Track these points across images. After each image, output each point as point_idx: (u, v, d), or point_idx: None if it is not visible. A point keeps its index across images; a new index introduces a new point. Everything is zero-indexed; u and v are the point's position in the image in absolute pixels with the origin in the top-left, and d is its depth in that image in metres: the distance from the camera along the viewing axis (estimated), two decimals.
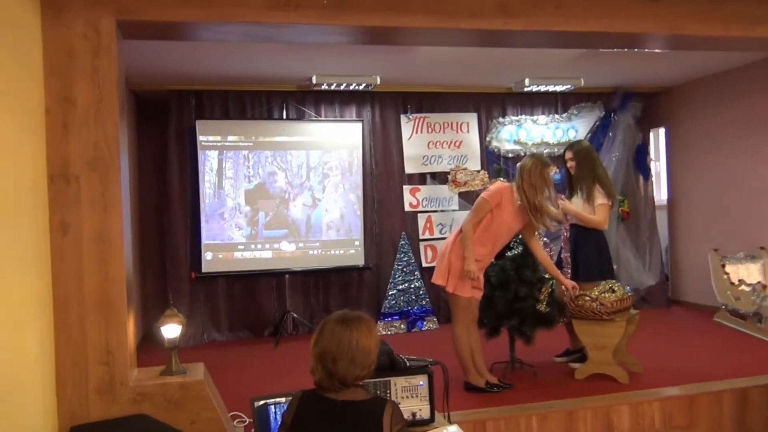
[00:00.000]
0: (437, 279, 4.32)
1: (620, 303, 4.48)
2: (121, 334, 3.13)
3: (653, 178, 7.72)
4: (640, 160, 7.47)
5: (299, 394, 2.21)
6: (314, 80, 6.23)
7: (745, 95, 6.51)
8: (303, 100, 6.79)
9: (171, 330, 3.31)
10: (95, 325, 3.10)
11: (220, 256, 6.42)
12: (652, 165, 7.76)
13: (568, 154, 4.94)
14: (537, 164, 4.26)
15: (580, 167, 4.86)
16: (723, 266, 6.34)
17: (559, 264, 4.79)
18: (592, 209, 4.78)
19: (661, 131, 8.02)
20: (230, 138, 6.48)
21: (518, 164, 4.42)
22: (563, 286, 4.53)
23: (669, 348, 5.48)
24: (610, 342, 4.44)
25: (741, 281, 6.14)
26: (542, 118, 7.41)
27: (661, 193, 7.93)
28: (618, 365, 4.50)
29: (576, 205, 4.85)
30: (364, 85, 6.44)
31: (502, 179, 4.75)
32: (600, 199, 4.77)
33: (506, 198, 4.25)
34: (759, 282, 6.02)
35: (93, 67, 3.11)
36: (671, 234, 7.82)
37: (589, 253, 4.78)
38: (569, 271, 4.75)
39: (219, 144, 6.45)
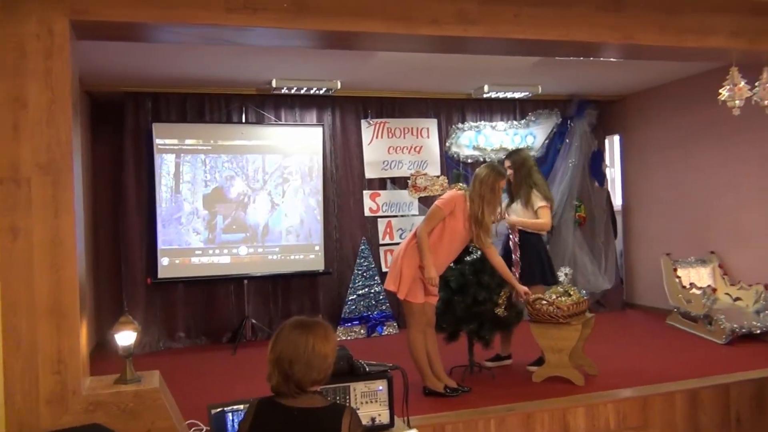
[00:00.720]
0: (389, 285, 4.33)
1: (576, 306, 4.56)
2: (74, 342, 3.05)
3: (608, 184, 7.89)
4: (595, 166, 7.62)
5: (255, 402, 2.18)
6: (274, 84, 6.20)
7: (697, 104, 6.71)
8: (263, 104, 6.74)
9: (125, 337, 3.24)
10: (46, 333, 3.01)
11: (177, 261, 6.32)
12: (607, 171, 7.93)
13: (507, 163, 5.08)
14: (490, 175, 4.31)
15: (517, 174, 5.01)
16: (675, 270, 6.51)
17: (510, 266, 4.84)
18: (532, 214, 4.93)
19: (616, 138, 8.20)
20: (188, 141, 6.39)
21: (475, 171, 4.47)
22: (516, 292, 4.59)
23: (623, 350, 5.59)
24: (566, 345, 4.52)
25: (692, 284, 6.31)
26: (501, 125, 7.51)
27: (615, 198, 8.11)
28: (574, 368, 4.57)
29: (516, 210, 4.98)
30: (324, 89, 6.43)
31: (461, 185, 4.78)
32: (539, 201, 4.92)
33: (459, 206, 4.29)
34: (709, 285, 6.20)
35: (45, 67, 3.03)
36: (626, 239, 8.00)
37: (530, 258, 4.90)
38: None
39: (176, 147, 6.35)
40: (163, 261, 6.28)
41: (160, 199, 6.28)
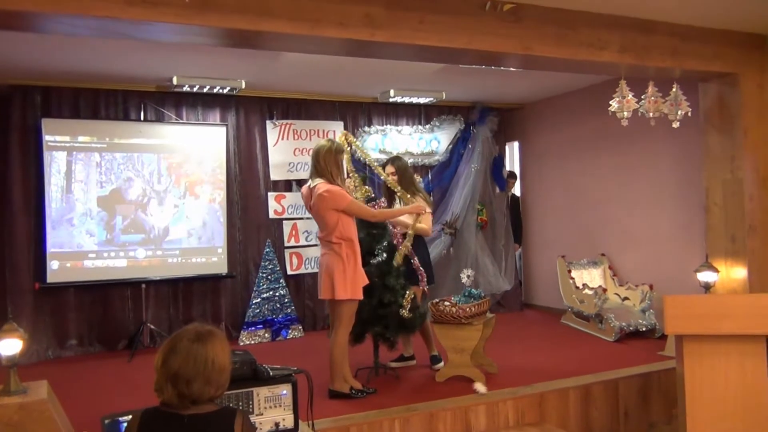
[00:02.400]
0: (326, 295, 4.28)
1: (478, 307, 4.69)
2: None
3: (510, 189, 8.16)
4: (496, 171, 7.87)
5: (140, 413, 2.05)
6: (175, 81, 6.02)
7: (590, 114, 7.07)
8: (163, 102, 6.53)
9: (9, 346, 3.05)
10: None
11: (68, 265, 6.01)
12: (517, 174, 8.21)
13: (390, 168, 5.10)
14: (331, 149, 4.33)
15: (402, 179, 5.02)
16: (569, 271, 6.82)
17: (414, 274, 4.90)
18: (416, 219, 4.90)
19: (516, 144, 8.51)
20: (81, 139, 6.10)
21: (312, 150, 4.43)
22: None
23: (521, 349, 5.80)
24: (468, 345, 4.64)
25: (585, 285, 6.63)
26: (406, 129, 7.62)
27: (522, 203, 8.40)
28: (475, 367, 4.70)
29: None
30: (228, 88, 6.31)
31: (367, 188, 4.82)
32: (427, 208, 4.95)
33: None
34: (600, 286, 6.54)
35: None
36: (524, 242, 8.31)
37: (422, 260, 4.98)
38: (424, 280, 4.90)
39: (68, 145, 6.05)
40: (53, 264, 5.95)
41: (50, 199, 5.95)
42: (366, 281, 4.35)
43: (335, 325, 4.33)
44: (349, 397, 4.32)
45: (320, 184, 4.27)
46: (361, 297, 4.29)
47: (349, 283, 4.22)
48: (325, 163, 4.29)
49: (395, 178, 5.02)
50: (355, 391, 4.36)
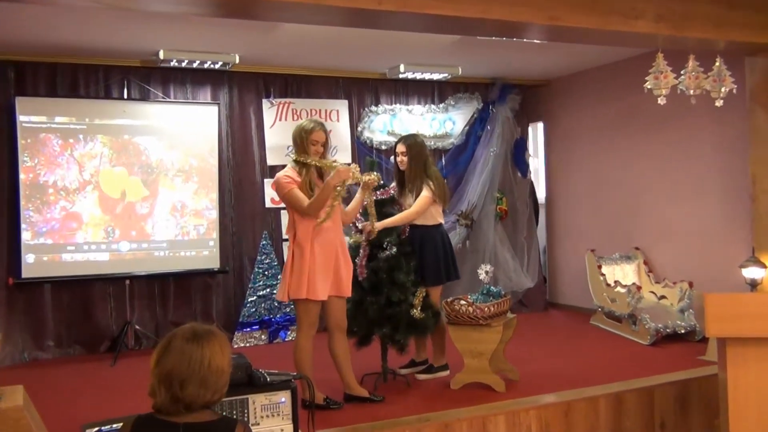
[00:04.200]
0: (278, 293, 4.37)
1: (497, 307, 4.69)
2: None
3: (531, 175, 8.14)
4: (518, 155, 7.85)
5: (132, 419, 2.08)
6: (161, 55, 6.03)
7: (623, 91, 7.02)
8: (148, 78, 6.54)
9: None
10: None
11: (45, 258, 6.04)
12: (531, 161, 8.19)
13: (401, 147, 4.96)
14: (299, 129, 4.33)
15: (413, 163, 4.91)
16: (599, 267, 6.81)
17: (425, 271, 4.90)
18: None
19: (540, 126, 8.48)
20: (58, 119, 6.12)
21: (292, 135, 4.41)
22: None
23: (546, 353, 5.79)
24: (486, 348, 4.63)
25: (616, 282, 6.62)
26: (418, 108, 7.60)
27: (539, 190, 8.38)
28: (494, 373, 4.70)
29: (407, 203, 4.94)
30: (220, 63, 6.31)
31: (375, 173, 4.80)
32: (426, 191, 4.86)
33: (294, 178, 4.26)
34: (634, 283, 6.52)
35: None
36: (549, 234, 8.29)
37: (430, 255, 4.91)
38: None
39: (45, 126, 6.07)
40: (28, 258, 5.99)
41: (25, 186, 5.98)
42: (326, 283, 4.24)
43: (296, 326, 4.41)
44: (322, 407, 4.26)
45: (280, 171, 4.36)
46: (303, 296, 4.19)
47: (294, 282, 4.20)
48: (296, 141, 4.34)
49: (405, 159, 4.95)
50: (328, 401, 4.36)
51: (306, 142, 4.32)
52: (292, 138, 4.38)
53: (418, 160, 4.94)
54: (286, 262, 4.36)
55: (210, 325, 2.16)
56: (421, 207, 4.86)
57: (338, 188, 4.23)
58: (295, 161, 4.33)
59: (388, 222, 4.77)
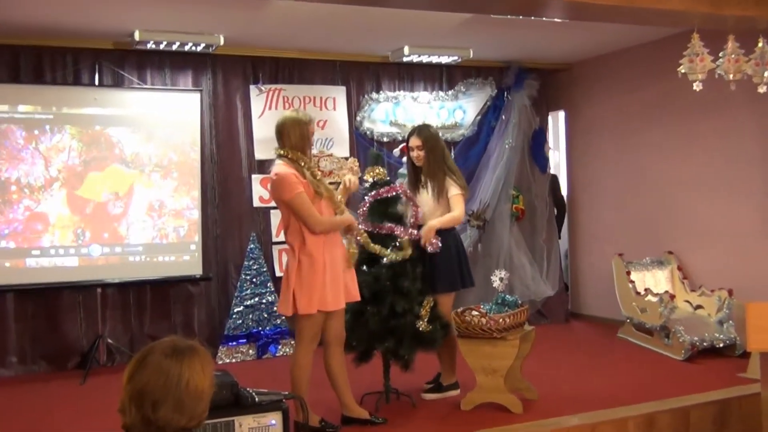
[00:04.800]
0: (281, 307, 4.31)
1: (513, 318, 4.68)
2: None
3: (551, 170, 8.14)
4: (537, 148, 7.84)
5: None
6: (137, 36, 6.03)
7: (653, 76, 7.02)
8: (122, 62, 6.55)
9: None
10: None
11: (7, 264, 6.06)
12: (550, 154, 8.18)
13: (415, 141, 5.02)
14: (295, 122, 4.29)
15: (430, 156, 4.99)
16: (628, 273, 6.80)
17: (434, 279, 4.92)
18: (445, 206, 4.97)
19: (561, 115, 8.47)
20: (22, 108, 6.14)
21: (276, 124, 4.38)
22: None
23: (568, 370, 5.80)
24: (501, 365, 4.63)
25: (647, 290, 6.61)
26: (424, 96, 7.60)
27: (563, 186, 8.39)
28: (510, 392, 4.69)
29: (424, 203, 4.99)
30: (203, 45, 6.32)
31: (380, 168, 4.80)
32: (454, 189, 4.97)
33: (299, 180, 4.23)
34: (666, 291, 6.51)
35: None
36: (571, 236, 8.29)
37: (449, 260, 4.95)
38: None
39: (6, 116, 6.09)
40: None
41: None
42: (337, 292, 4.27)
43: (295, 342, 4.38)
44: (317, 430, 4.28)
45: (276, 166, 4.28)
46: (314, 310, 4.19)
47: (305, 296, 4.18)
48: (289, 136, 4.28)
49: (421, 154, 5.00)
50: (324, 424, 4.36)
51: (306, 139, 4.29)
52: (284, 131, 4.30)
53: (435, 152, 4.99)
54: (288, 272, 4.26)
55: (193, 341, 2.14)
56: (462, 206, 4.99)
57: (340, 199, 4.31)
58: (293, 156, 4.25)
59: (436, 224, 4.85)
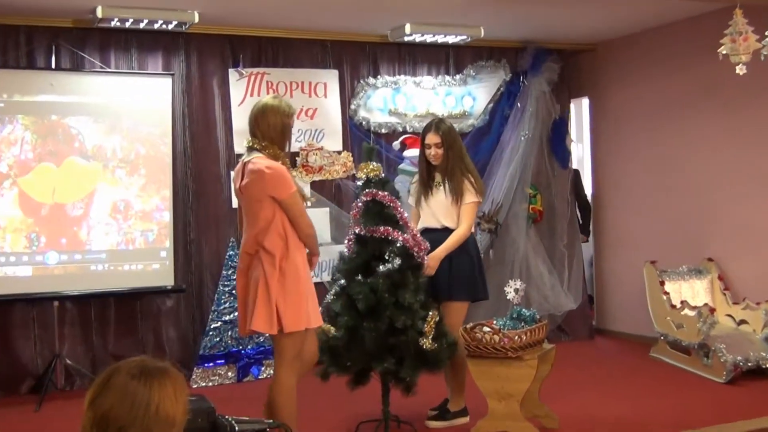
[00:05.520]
0: (258, 324, 4.20)
1: (531, 335, 4.68)
2: None
3: (573, 165, 8.14)
4: (557, 140, 7.85)
5: None
6: (99, 13, 6.03)
7: (691, 58, 7.03)
8: (82, 43, 6.55)
9: None
10: None
11: None
12: (572, 147, 8.18)
13: (434, 137, 5.08)
14: (276, 111, 4.27)
15: (449, 154, 5.05)
16: (662, 283, 6.80)
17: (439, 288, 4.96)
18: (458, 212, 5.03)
19: (584, 102, 8.47)
20: None
21: (252, 112, 4.37)
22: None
23: (593, 394, 5.80)
24: (517, 388, 4.63)
25: (684, 303, 6.61)
26: (428, 81, 7.60)
27: (586, 184, 8.38)
28: (527, 420, 4.69)
29: (438, 205, 5.04)
30: (175, 23, 6.32)
31: (374, 164, 4.80)
32: (470, 195, 5.03)
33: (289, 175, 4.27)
34: (706, 304, 6.50)
35: None
36: (596, 241, 8.29)
37: (462, 266, 5.01)
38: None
39: None
40: None
41: None
42: (316, 305, 4.28)
43: (276, 363, 4.34)
44: None
45: (258, 159, 4.24)
46: (302, 327, 4.19)
47: (292, 311, 4.15)
48: (268, 127, 4.26)
49: (439, 152, 5.03)
50: None
51: (286, 134, 4.29)
52: (262, 121, 4.28)
53: (454, 150, 5.06)
54: (268, 283, 4.18)
55: (164, 362, 2.14)
56: (472, 219, 5.07)
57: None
58: (273, 151, 4.25)
59: (443, 250, 4.93)
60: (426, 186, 5.16)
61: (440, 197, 5.09)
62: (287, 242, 4.19)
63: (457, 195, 5.04)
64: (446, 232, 5.06)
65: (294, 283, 4.17)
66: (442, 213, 5.07)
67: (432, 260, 4.89)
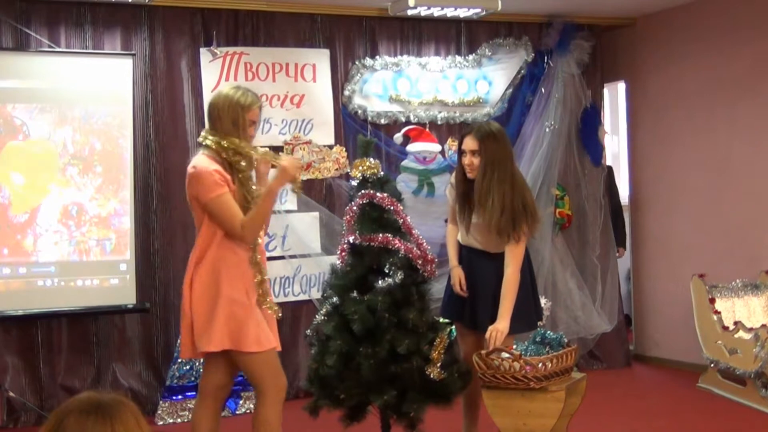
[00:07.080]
0: (217, 343, 4.23)
1: (557, 362, 4.70)
2: None
3: (607, 162, 8.16)
4: (588, 132, 7.86)
5: None
6: None
7: (748, 32, 7.06)
8: (27, 18, 6.56)
9: None
10: None
11: None
12: (606, 140, 8.20)
13: (472, 143, 4.77)
14: (229, 103, 4.30)
15: (489, 172, 4.72)
16: (712, 302, 6.81)
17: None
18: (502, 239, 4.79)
19: (621, 87, 8.49)
20: None
21: (208, 104, 4.43)
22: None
23: (630, 430, 5.81)
24: (541, 425, 4.64)
25: (738, 324, 6.62)
26: (436, 62, 7.62)
27: (620, 185, 8.40)
28: None
29: (477, 230, 4.87)
30: None
31: (371, 161, 4.82)
32: (518, 237, 4.76)
33: (220, 175, 4.27)
34: (764, 325, 6.51)
35: None
36: (635, 252, 8.30)
37: (521, 287, 4.86)
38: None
39: None
40: None
41: None
42: (272, 323, 4.33)
43: (256, 392, 4.36)
44: None
45: (197, 157, 4.33)
46: (272, 345, 4.23)
47: (253, 324, 4.19)
48: (220, 120, 4.31)
49: (475, 162, 4.74)
50: None
51: (243, 122, 4.32)
52: (214, 113, 4.33)
53: (500, 169, 4.73)
54: (218, 297, 4.25)
55: (115, 395, 2.16)
56: (521, 258, 4.80)
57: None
58: (218, 147, 4.29)
59: (507, 315, 4.70)
60: (463, 200, 4.90)
61: (479, 222, 4.86)
62: (236, 250, 4.27)
63: (499, 234, 4.75)
64: (485, 255, 4.93)
65: (249, 296, 4.26)
66: (481, 240, 4.91)
67: (499, 333, 4.62)
